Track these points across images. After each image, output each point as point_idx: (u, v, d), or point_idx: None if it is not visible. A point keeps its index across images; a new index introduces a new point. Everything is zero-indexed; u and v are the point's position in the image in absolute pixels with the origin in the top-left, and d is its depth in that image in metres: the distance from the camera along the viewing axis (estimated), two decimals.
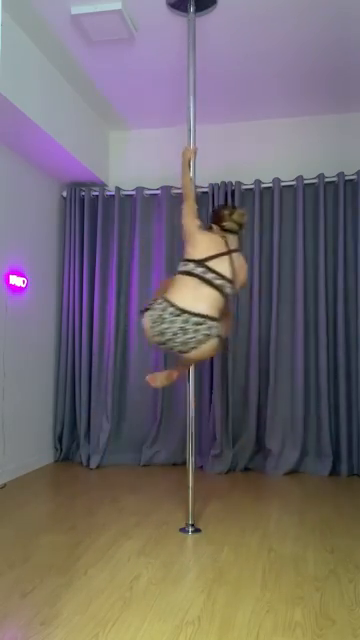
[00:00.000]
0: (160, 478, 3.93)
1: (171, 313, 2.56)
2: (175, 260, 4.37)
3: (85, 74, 3.79)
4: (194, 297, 2.61)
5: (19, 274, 3.95)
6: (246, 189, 4.34)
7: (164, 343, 2.61)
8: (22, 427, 3.98)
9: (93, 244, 4.52)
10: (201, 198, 4.31)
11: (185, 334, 2.54)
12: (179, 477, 3.83)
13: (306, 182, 4.23)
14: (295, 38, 3.36)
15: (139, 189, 4.48)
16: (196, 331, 2.54)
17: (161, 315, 2.58)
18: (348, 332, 4.13)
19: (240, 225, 2.86)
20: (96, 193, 4.55)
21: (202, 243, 2.73)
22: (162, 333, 2.57)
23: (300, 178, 4.21)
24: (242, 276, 2.81)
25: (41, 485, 3.73)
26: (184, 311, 2.56)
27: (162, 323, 2.56)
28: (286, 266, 4.25)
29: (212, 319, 2.59)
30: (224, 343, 2.80)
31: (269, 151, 4.46)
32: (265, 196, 4.35)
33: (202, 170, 4.18)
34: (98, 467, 4.21)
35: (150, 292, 4.45)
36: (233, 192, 4.29)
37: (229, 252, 2.75)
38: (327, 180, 4.19)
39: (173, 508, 3.18)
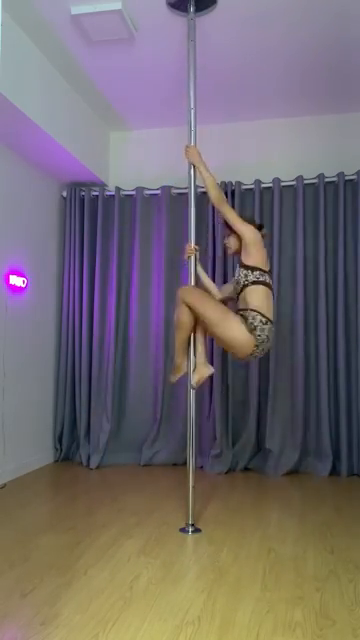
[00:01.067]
0: (160, 478, 3.93)
1: (261, 322, 2.82)
2: (175, 260, 4.38)
3: (85, 74, 3.80)
4: (271, 307, 2.91)
5: (19, 274, 3.95)
6: (246, 189, 4.34)
7: (257, 349, 2.85)
8: (22, 427, 3.98)
9: (93, 244, 4.52)
10: (201, 198, 4.31)
11: (268, 341, 2.87)
12: (179, 477, 3.83)
13: (306, 182, 4.23)
14: (295, 38, 3.36)
15: (139, 189, 4.48)
16: (267, 337, 2.86)
17: (268, 336, 2.85)
18: (348, 332, 4.13)
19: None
20: (96, 193, 4.55)
21: (264, 253, 2.91)
22: (267, 350, 2.92)
23: (300, 178, 4.21)
24: None
25: (41, 485, 3.73)
26: (270, 321, 2.86)
27: (268, 341, 2.87)
28: (286, 266, 4.26)
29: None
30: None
31: (269, 151, 4.47)
32: (265, 196, 4.35)
33: None
34: (98, 467, 4.21)
35: (150, 292, 4.45)
36: (233, 192, 4.29)
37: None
38: (327, 180, 4.19)
39: (173, 508, 3.18)
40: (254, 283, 2.85)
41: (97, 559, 2.43)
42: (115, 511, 3.13)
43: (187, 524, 2.83)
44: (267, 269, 2.91)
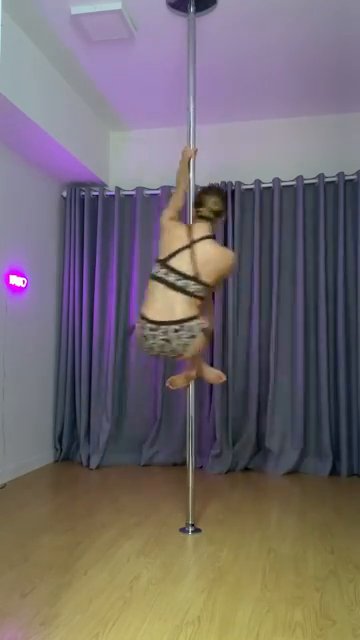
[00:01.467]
0: (160, 478, 3.93)
1: (150, 329, 2.56)
2: None
3: (85, 74, 3.79)
4: (165, 305, 2.56)
5: (19, 274, 3.95)
6: (246, 189, 4.34)
7: (157, 355, 2.64)
8: (22, 427, 3.98)
9: (93, 244, 4.52)
10: None
11: (170, 343, 2.55)
12: (179, 477, 3.83)
13: (306, 182, 4.23)
14: (295, 38, 3.36)
15: (139, 189, 4.48)
16: (179, 337, 2.54)
17: (142, 334, 2.59)
18: (348, 332, 4.13)
19: (215, 213, 2.76)
20: (96, 193, 4.55)
21: (165, 238, 2.66)
22: (150, 348, 2.60)
23: (300, 178, 4.21)
24: (211, 267, 2.61)
25: (41, 485, 3.73)
26: (160, 323, 2.54)
27: (146, 340, 2.59)
28: (286, 266, 4.25)
29: (189, 319, 2.54)
30: (210, 335, 2.75)
31: (269, 151, 4.46)
32: (265, 196, 4.35)
33: (202, 170, 4.18)
34: (98, 467, 4.21)
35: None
36: (233, 192, 4.29)
37: (191, 244, 2.62)
38: (327, 180, 4.19)
39: (173, 508, 3.18)
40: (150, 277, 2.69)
41: (97, 559, 2.43)
42: (115, 511, 3.13)
43: (187, 524, 2.83)
44: (162, 257, 2.63)
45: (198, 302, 2.62)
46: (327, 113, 4.37)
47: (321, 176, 4.17)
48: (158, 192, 4.48)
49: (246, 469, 4.18)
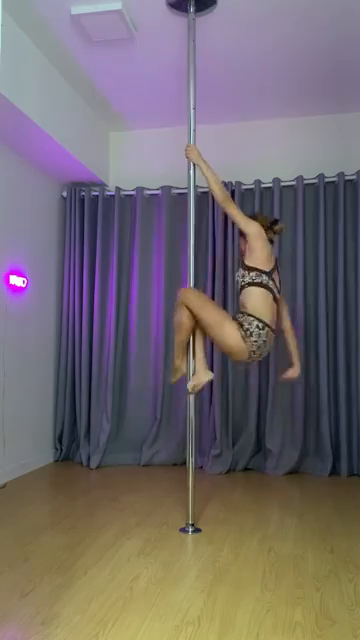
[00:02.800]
0: (160, 478, 3.93)
1: (258, 327, 2.78)
2: (175, 260, 4.38)
3: (85, 74, 3.79)
4: (270, 310, 2.83)
5: (19, 274, 3.95)
6: (246, 189, 4.34)
7: (254, 354, 2.83)
8: (22, 427, 3.98)
9: (93, 244, 4.52)
10: (201, 198, 4.31)
11: (265, 346, 2.82)
12: (179, 477, 3.83)
13: (306, 182, 4.23)
14: (295, 38, 3.36)
15: (139, 189, 4.48)
16: (265, 342, 2.81)
17: (264, 341, 2.81)
18: (348, 332, 4.13)
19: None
20: (96, 193, 4.55)
21: (264, 248, 2.83)
22: (261, 354, 2.85)
23: (300, 178, 4.21)
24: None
25: (41, 485, 3.73)
26: (267, 325, 2.80)
27: (265, 347, 2.82)
28: (286, 266, 4.25)
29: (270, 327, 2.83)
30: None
31: (269, 151, 4.46)
32: (265, 196, 4.35)
33: None
34: (98, 467, 4.21)
35: (150, 292, 4.45)
36: (233, 192, 4.29)
37: (276, 265, 2.92)
38: (327, 180, 4.19)
39: (173, 508, 3.18)
40: (250, 285, 2.81)
41: (97, 559, 2.43)
42: (115, 511, 3.13)
43: (187, 524, 2.83)
44: (267, 269, 2.82)
45: None
46: (327, 113, 4.37)
47: (321, 176, 4.17)
48: (158, 192, 4.48)
49: (246, 469, 4.18)
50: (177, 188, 4.42)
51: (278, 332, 3.00)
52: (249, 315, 2.78)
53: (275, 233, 2.98)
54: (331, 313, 4.17)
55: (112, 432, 4.34)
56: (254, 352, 2.80)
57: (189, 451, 2.90)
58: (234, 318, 2.84)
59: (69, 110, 3.93)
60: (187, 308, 2.84)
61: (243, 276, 2.84)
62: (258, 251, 2.81)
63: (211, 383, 4.20)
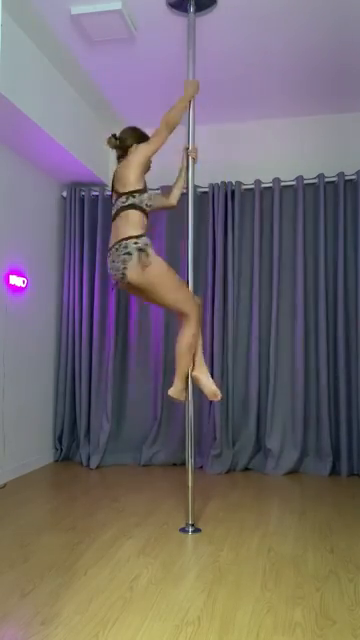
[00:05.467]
0: (160, 478, 3.93)
1: (108, 256, 2.83)
2: (175, 259, 4.38)
3: (85, 74, 3.80)
4: (112, 234, 2.84)
5: (19, 274, 3.95)
6: (246, 189, 4.34)
7: (116, 282, 2.84)
8: (22, 427, 3.98)
9: (93, 244, 4.52)
10: (201, 198, 4.31)
11: (114, 263, 2.78)
12: (179, 477, 3.83)
13: (306, 182, 4.23)
14: (295, 38, 3.36)
15: None
16: (118, 256, 2.76)
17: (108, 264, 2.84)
18: (348, 332, 4.13)
19: (116, 145, 2.99)
20: (96, 193, 4.55)
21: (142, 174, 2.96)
22: (112, 275, 2.83)
23: (300, 178, 4.21)
24: (120, 174, 2.88)
25: (41, 485, 3.73)
26: (109, 249, 2.82)
27: (109, 268, 2.84)
28: (286, 266, 4.25)
29: (126, 239, 2.75)
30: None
31: (269, 151, 4.46)
32: (265, 196, 4.35)
33: (202, 170, 4.18)
34: (98, 467, 4.21)
35: None
36: (233, 192, 4.29)
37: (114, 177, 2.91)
38: (327, 180, 4.19)
39: (173, 508, 3.18)
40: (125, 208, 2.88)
41: (97, 559, 2.43)
42: (115, 511, 3.13)
43: (187, 524, 2.83)
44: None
45: (140, 224, 2.82)
46: (327, 113, 4.37)
47: (321, 176, 4.17)
48: (158, 192, 4.48)
49: (246, 469, 4.18)
50: None
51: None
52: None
53: (112, 147, 3.03)
54: (331, 313, 4.17)
55: (112, 432, 4.34)
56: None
57: (189, 451, 2.90)
58: None
59: (69, 110, 3.93)
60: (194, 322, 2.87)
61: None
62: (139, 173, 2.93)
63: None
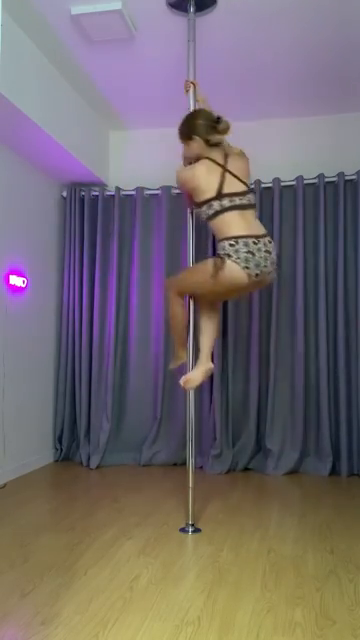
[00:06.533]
0: (160, 478, 3.93)
1: (254, 242, 2.64)
2: (175, 260, 4.38)
3: (85, 74, 3.80)
4: (249, 224, 2.69)
5: (19, 274, 3.95)
6: None
7: (260, 273, 2.65)
8: (22, 427, 3.98)
9: (93, 244, 4.52)
10: None
11: (269, 254, 2.67)
12: (179, 477, 3.83)
13: (306, 182, 4.23)
14: (295, 38, 3.35)
15: (139, 189, 4.48)
16: (273, 249, 2.71)
17: (248, 250, 2.61)
18: (348, 332, 4.12)
19: (220, 132, 2.85)
20: (96, 193, 4.55)
21: (202, 181, 2.73)
22: (258, 264, 2.63)
23: (300, 178, 4.21)
24: (245, 170, 2.83)
25: (41, 485, 3.73)
26: (257, 236, 2.66)
27: (254, 256, 2.62)
28: (286, 266, 4.25)
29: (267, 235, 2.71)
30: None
31: (269, 151, 4.46)
32: (265, 196, 4.35)
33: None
34: (98, 467, 4.21)
35: (150, 292, 4.45)
36: None
37: (223, 169, 2.76)
38: (327, 180, 4.19)
39: (173, 508, 3.18)
40: (208, 219, 2.77)
41: (97, 559, 2.43)
42: (115, 511, 3.13)
43: (187, 524, 2.83)
44: (212, 195, 2.73)
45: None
46: (327, 113, 4.37)
47: (321, 176, 4.17)
48: (158, 192, 4.48)
49: (246, 469, 4.18)
50: (177, 188, 4.42)
51: (262, 236, 2.72)
52: (220, 242, 2.70)
53: (220, 133, 2.85)
54: (331, 313, 4.17)
55: (112, 432, 4.34)
56: (248, 267, 2.61)
57: (189, 451, 2.90)
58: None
59: (69, 110, 3.93)
60: (179, 295, 2.84)
61: (199, 214, 2.81)
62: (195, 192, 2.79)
63: (211, 383, 4.20)
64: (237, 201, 2.70)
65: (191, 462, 2.89)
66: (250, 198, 2.77)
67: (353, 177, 4.15)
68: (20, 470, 3.91)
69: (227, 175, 2.75)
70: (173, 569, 2.34)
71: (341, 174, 4.14)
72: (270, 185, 4.29)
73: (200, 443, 4.22)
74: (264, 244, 2.67)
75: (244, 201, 2.72)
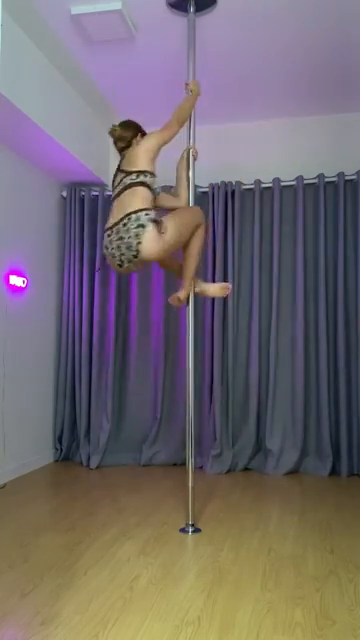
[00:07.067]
0: (160, 478, 3.93)
1: (107, 236, 2.67)
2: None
3: (85, 74, 3.79)
4: (116, 210, 2.68)
5: (19, 274, 3.95)
6: (246, 189, 4.34)
7: (121, 263, 2.65)
8: (22, 427, 3.98)
9: (93, 244, 4.52)
10: (201, 198, 4.31)
11: (122, 240, 2.59)
12: (179, 477, 3.83)
13: (306, 182, 4.23)
14: (295, 38, 3.36)
15: None
16: (127, 231, 2.58)
17: (105, 245, 2.69)
18: (348, 332, 4.12)
19: (115, 142, 2.90)
20: (96, 193, 4.55)
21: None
22: (112, 256, 2.65)
23: (300, 178, 4.21)
24: (130, 155, 2.78)
25: (41, 485, 3.73)
26: (111, 227, 2.65)
27: (106, 250, 2.68)
28: (286, 266, 4.25)
29: (137, 212, 2.58)
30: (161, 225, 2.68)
31: (269, 151, 4.47)
32: (265, 196, 4.35)
33: (202, 170, 4.19)
34: (98, 467, 4.21)
35: (150, 292, 4.45)
36: (233, 192, 4.29)
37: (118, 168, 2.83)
38: (327, 180, 4.19)
39: (173, 508, 3.18)
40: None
41: (97, 559, 2.43)
42: (115, 511, 3.13)
43: (187, 524, 2.83)
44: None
45: (148, 199, 2.66)
46: (327, 113, 4.37)
47: (321, 176, 4.17)
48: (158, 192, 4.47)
49: (246, 469, 4.18)
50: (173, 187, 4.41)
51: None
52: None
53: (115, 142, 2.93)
54: (331, 313, 4.17)
55: (112, 432, 4.34)
56: (110, 259, 2.72)
57: (189, 451, 2.90)
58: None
59: (69, 110, 3.93)
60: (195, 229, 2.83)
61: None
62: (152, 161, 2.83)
63: (211, 382, 4.20)
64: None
65: (191, 462, 2.89)
66: (125, 181, 2.74)
67: (353, 177, 4.15)
68: (20, 470, 3.91)
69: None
70: (173, 569, 2.34)
71: (341, 174, 4.14)
72: (270, 185, 4.29)
73: (200, 443, 4.22)
74: (116, 232, 2.70)
75: (123, 183, 2.75)
